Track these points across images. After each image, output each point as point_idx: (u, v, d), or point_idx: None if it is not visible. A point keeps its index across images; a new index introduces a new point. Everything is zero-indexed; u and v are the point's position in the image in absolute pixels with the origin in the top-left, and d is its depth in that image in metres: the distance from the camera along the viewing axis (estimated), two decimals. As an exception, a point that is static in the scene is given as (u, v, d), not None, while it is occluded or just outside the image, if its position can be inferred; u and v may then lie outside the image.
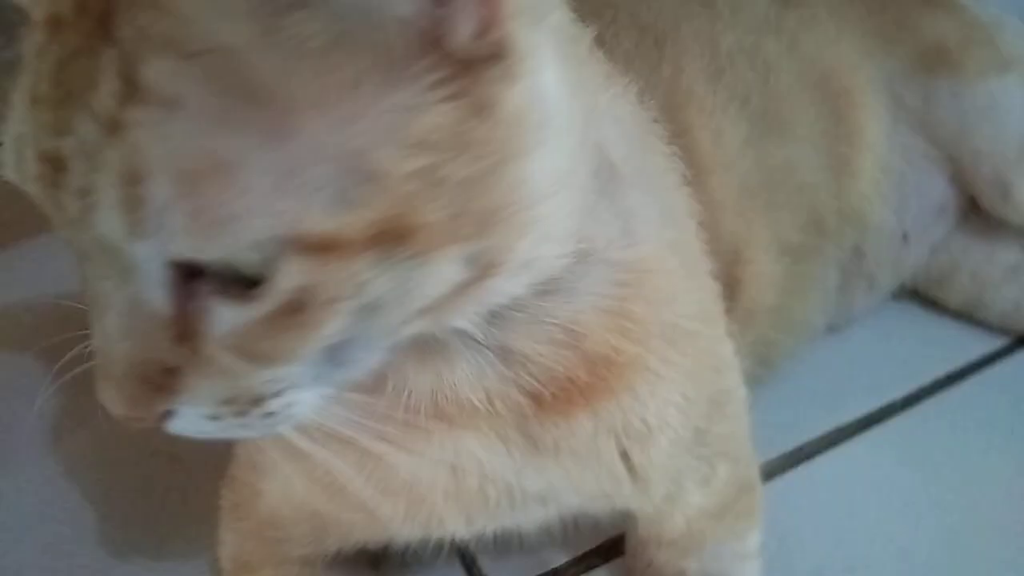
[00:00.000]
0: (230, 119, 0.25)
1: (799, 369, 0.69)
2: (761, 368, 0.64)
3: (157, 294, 0.28)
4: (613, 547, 0.59)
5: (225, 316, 0.28)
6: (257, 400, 0.30)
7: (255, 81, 0.25)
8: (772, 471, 0.64)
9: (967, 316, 0.75)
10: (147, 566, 0.59)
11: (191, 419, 0.31)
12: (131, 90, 0.25)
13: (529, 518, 0.47)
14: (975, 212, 0.72)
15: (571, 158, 0.32)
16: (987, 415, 0.69)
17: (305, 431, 0.34)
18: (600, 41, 0.38)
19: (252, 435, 0.32)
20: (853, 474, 0.65)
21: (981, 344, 0.74)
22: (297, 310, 0.27)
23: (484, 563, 0.59)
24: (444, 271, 0.29)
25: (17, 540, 0.61)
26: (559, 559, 0.60)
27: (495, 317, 0.35)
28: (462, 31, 0.26)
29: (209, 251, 0.26)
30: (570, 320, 0.37)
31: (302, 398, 0.31)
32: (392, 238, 0.27)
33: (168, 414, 0.30)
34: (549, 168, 0.30)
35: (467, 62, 0.27)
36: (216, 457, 0.52)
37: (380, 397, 0.37)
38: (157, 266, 0.27)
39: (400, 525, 0.44)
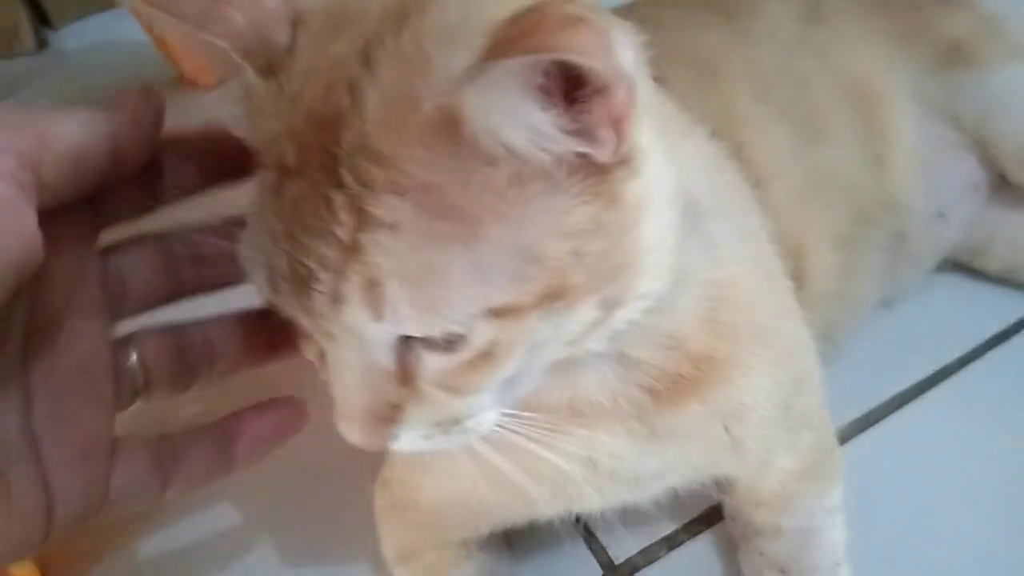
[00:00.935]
0: (436, 235, 0.33)
1: (859, 344, 0.76)
2: (826, 346, 0.72)
3: (385, 356, 0.37)
4: (714, 514, 0.68)
5: (433, 363, 0.37)
6: (457, 421, 0.40)
7: (453, 207, 0.33)
8: (845, 436, 0.72)
9: (1007, 280, 0.81)
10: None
11: (410, 439, 0.40)
12: (362, 221, 0.33)
13: (649, 492, 0.56)
14: (1006, 186, 0.79)
15: (671, 212, 0.40)
16: (1035, 368, 0.76)
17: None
18: (663, 80, 0.44)
19: (452, 446, 0.42)
20: (918, 433, 0.72)
21: (1022, 305, 0.80)
22: (486, 356, 0.37)
23: (602, 535, 0.68)
24: (585, 314, 0.38)
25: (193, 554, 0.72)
26: (669, 528, 0.68)
27: (614, 334, 0.42)
28: (603, 155, 0.35)
29: (428, 329, 0.35)
30: (674, 330, 0.46)
31: (487, 416, 0.41)
32: (551, 299, 0.36)
33: (393, 437, 0.40)
34: (656, 227, 0.39)
35: (604, 170, 0.36)
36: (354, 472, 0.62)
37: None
38: (387, 339, 0.37)
39: (547, 506, 0.53)
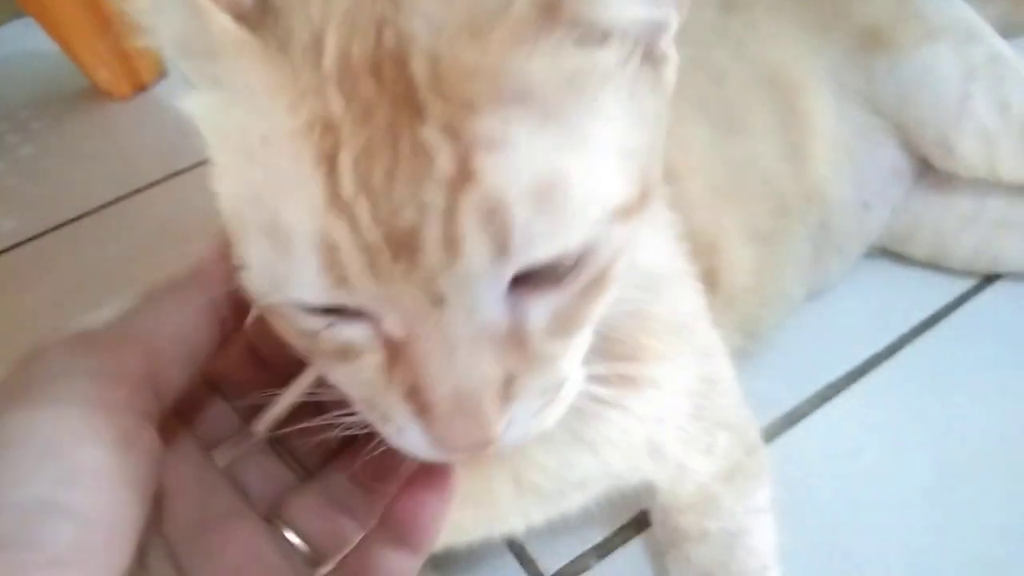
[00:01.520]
0: (548, 141, 0.30)
1: (786, 336, 0.75)
2: (749, 341, 0.71)
3: (498, 312, 0.32)
4: (643, 519, 0.66)
5: (543, 307, 0.33)
6: (560, 383, 0.35)
7: (558, 108, 0.31)
8: (774, 432, 0.71)
9: (933, 265, 0.81)
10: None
11: (521, 423, 0.34)
12: (464, 146, 0.29)
13: (572, 503, 0.55)
14: (928, 170, 0.79)
15: None
16: (963, 353, 0.76)
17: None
18: None
19: (551, 421, 0.36)
20: (847, 425, 0.72)
21: (950, 289, 0.80)
22: (596, 280, 0.34)
23: (532, 547, 0.66)
24: (643, 225, 0.36)
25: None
26: (598, 536, 0.67)
27: None
28: (669, 35, 0.35)
29: (567, 241, 0.31)
30: (609, 327, 0.43)
31: (575, 376, 0.37)
32: (646, 196, 0.34)
33: (507, 427, 0.33)
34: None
35: (659, 60, 0.36)
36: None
37: None
38: (502, 286, 0.31)
39: (471, 530, 0.51)
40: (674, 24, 0.35)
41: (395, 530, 0.38)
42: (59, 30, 1.07)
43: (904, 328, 0.78)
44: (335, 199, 0.29)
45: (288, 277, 0.31)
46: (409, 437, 0.34)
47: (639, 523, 0.67)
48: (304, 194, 0.30)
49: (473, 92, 0.29)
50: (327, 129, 0.29)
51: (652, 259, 0.47)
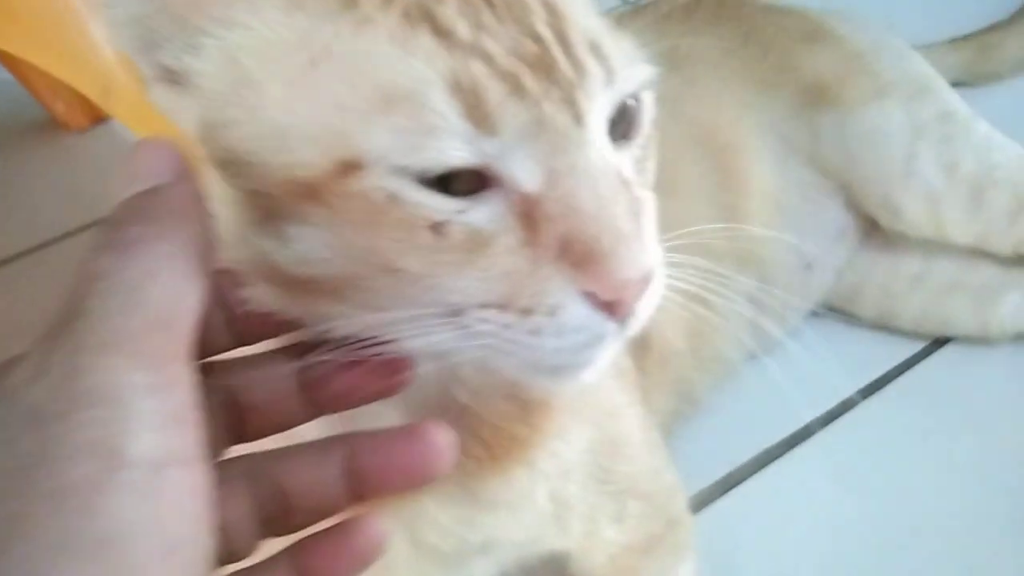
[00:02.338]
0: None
1: (724, 398, 0.74)
2: (684, 404, 0.70)
3: (610, 148, 0.33)
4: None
5: (627, 159, 0.35)
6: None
7: None
8: (705, 500, 0.69)
9: (881, 326, 0.79)
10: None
11: (656, 254, 0.34)
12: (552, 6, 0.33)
13: (475, 570, 0.53)
14: (876, 229, 0.77)
15: None
16: (908, 419, 0.74)
17: None
18: None
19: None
20: (782, 494, 0.70)
21: (898, 351, 0.79)
22: (649, 140, 0.37)
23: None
24: None
25: None
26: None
27: (456, 379, 0.40)
28: None
29: (640, 74, 0.35)
30: (508, 386, 0.42)
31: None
32: None
33: (654, 257, 0.34)
34: None
35: None
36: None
37: None
38: (607, 119, 0.34)
39: None
40: None
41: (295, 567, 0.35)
42: (15, 62, 1.06)
43: (849, 391, 0.76)
44: (455, 46, 0.31)
45: (430, 134, 0.30)
46: (568, 312, 0.32)
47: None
48: (419, 51, 0.31)
49: None
50: (406, 1, 0.31)
51: None
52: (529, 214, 0.32)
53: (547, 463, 0.46)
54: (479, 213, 0.32)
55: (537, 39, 0.32)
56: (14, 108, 1.14)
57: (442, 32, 0.31)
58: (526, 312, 0.32)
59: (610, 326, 0.33)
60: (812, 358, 0.77)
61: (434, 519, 0.46)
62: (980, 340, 0.78)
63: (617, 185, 0.32)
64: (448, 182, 0.31)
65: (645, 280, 0.33)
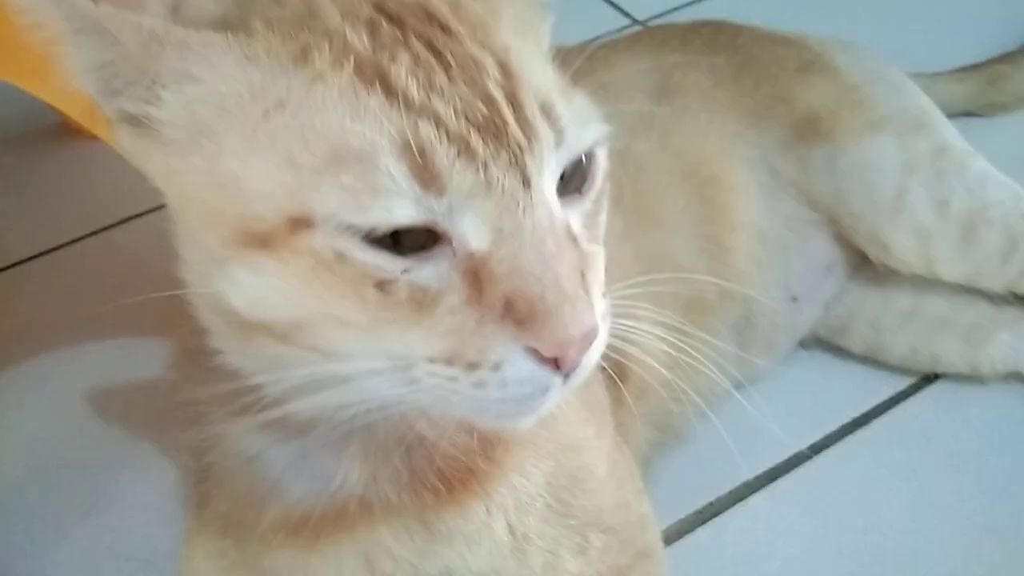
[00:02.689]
0: (542, 54, 0.38)
1: (706, 428, 0.74)
2: (664, 435, 0.70)
3: (558, 207, 0.35)
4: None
5: (576, 215, 0.37)
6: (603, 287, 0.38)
7: (527, 26, 0.39)
8: (683, 529, 0.70)
9: (870, 360, 0.79)
10: None
11: (600, 309, 0.37)
12: (498, 52, 0.35)
13: None
14: (866, 262, 0.77)
15: None
16: (892, 456, 0.74)
17: None
18: None
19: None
20: (760, 527, 0.70)
21: (886, 386, 0.78)
22: (600, 195, 0.39)
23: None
24: None
25: None
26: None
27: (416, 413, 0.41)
28: None
29: (588, 137, 0.37)
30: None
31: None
32: None
33: (598, 315, 0.36)
34: None
35: None
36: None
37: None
38: (556, 179, 0.36)
39: None
40: None
41: None
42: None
43: (833, 426, 0.76)
44: (406, 106, 0.32)
45: (378, 194, 0.32)
46: (512, 367, 0.34)
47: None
48: (369, 112, 0.32)
49: (483, 15, 0.36)
50: (359, 60, 0.33)
51: None
52: (475, 272, 0.33)
53: (505, 497, 0.48)
54: (425, 271, 0.33)
55: (488, 101, 0.33)
56: (31, 115, 1.17)
57: (393, 92, 0.32)
58: (472, 367, 0.34)
59: (554, 380, 0.35)
60: (800, 387, 0.78)
61: (389, 550, 0.47)
62: (970, 378, 0.77)
63: (564, 243, 0.34)
64: (399, 237, 0.33)
65: (588, 337, 0.34)
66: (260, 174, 0.34)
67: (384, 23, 0.34)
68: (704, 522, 0.70)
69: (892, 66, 0.82)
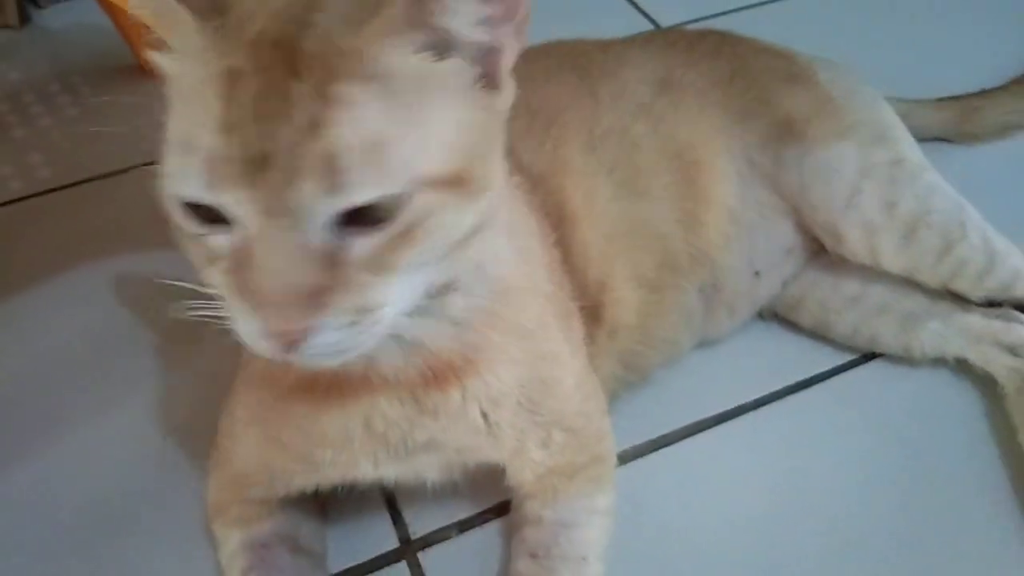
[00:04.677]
0: (387, 113, 0.42)
1: (670, 374, 0.86)
2: (630, 373, 0.82)
3: (320, 237, 0.42)
4: (506, 506, 0.77)
5: (364, 244, 0.43)
6: (372, 309, 0.45)
7: (400, 92, 0.43)
8: (637, 453, 0.81)
9: (818, 335, 0.91)
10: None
11: (327, 331, 0.44)
12: (323, 103, 0.41)
13: (423, 466, 0.66)
14: (823, 251, 0.88)
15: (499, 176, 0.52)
16: (827, 418, 0.84)
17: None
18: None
19: (363, 343, 0.46)
20: (704, 459, 0.81)
21: (830, 359, 0.89)
22: (410, 229, 0.44)
23: (407, 512, 0.78)
24: (469, 216, 0.47)
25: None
26: (463, 513, 0.78)
27: (415, 313, 0.52)
28: (507, 59, 0.49)
29: (379, 192, 0.42)
30: (462, 316, 0.56)
31: (391, 312, 0.47)
32: (457, 182, 0.45)
33: (312, 330, 0.43)
34: (498, 171, 0.51)
35: (494, 84, 0.49)
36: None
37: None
38: (327, 216, 0.42)
39: (327, 469, 0.63)
40: (510, 53, 0.48)
41: None
42: (113, 10, 1.22)
43: (779, 385, 0.87)
44: (225, 125, 0.41)
45: (185, 178, 0.42)
46: (244, 327, 0.45)
47: (501, 509, 0.78)
48: (208, 119, 0.41)
49: (340, 66, 0.41)
50: (234, 77, 0.41)
51: (506, 273, 0.59)
52: (238, 256, 0.44)
53: (479, 389, 0.61)
54: (213, 239, 0.45)
55: (278, 141, 0.40)
56: (110, 52, 1.30)
57: (228, 112, 0.41)
58: (229, 311, 0.46)
59: (276, 348, 0.44)
60: (754, 351, 0.90)
61: (384, 414, 0.60)
62: (903, 359, 0.88)
63: (306, 263, 0.42)
64: (206, 211, 0.44)
65: (289, 336, 0.43)
66: (168, 125, 0.45)
67: (265, 48, 0.42)
68: (657, 449, 0.82)
69: (868, 86, 0.93)
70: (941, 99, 1.12)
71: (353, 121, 0.41)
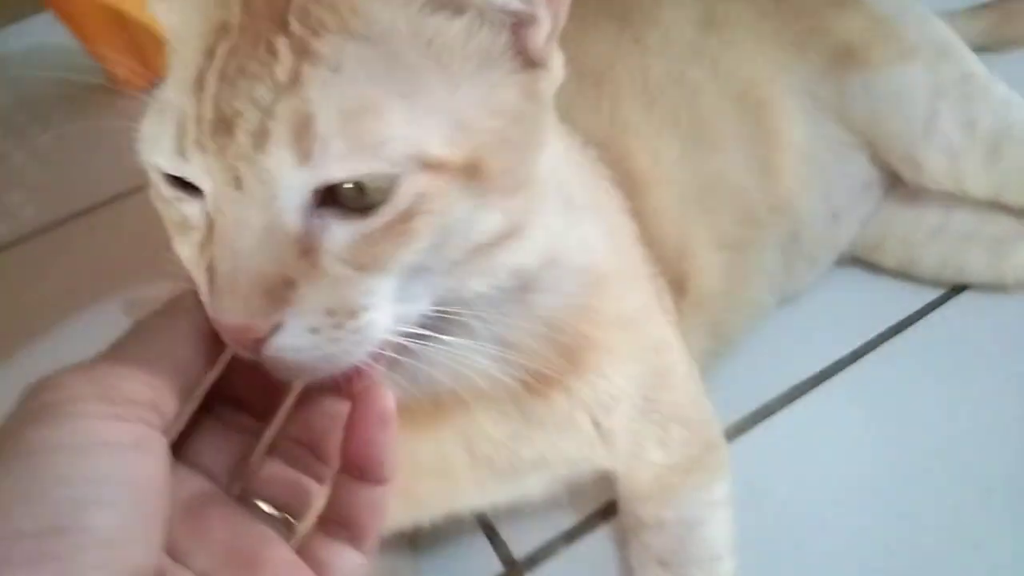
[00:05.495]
0: (379, 78, 0.36)
1: (756, 339, 0.79)
2: (719, 344, 0.75)
3: (292, 216, 0.35)
4: (611, 508, 0.71)
5: (343, 233, 0.36)
6: (352, 312, 0.37)
7: (399, 55, 0.36)
8: (739, 429, 0.75)
9: (903, 274, 0.84)
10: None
11: (295, 332, 0.36)
12: (303, 59, 0.35)
13: (530, 485, 0.59)
14: (899, 182, 0.82)
15: (553, 173, 0.44)
16: (926, 360, 0.79)
17: None
18: None
19: (338, 352, 0.37)
20: (810, 424, 0.76)
21: (918, 297, 0.84)
22: (402, 225, 0.36)
23: (504, 531, 0.71)
24: (491, 219, 0.39)
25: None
26: (567, 523, 0.71)
27: (495, 312, 0.45)
28: (540, 34, 0.40)
29: (361, 167, 0.35)
30: (550, 316, 0.48)
31: (380, 319, 0.38)
32: (473, 172, 0.37)
33: (276, 328, 0.35)
34: (547, 166, 0.43)
35: (530, 61, 0.40)
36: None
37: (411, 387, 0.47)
38: (302, 192, 0.35)
39: (429, 503, 0.56)
40: (546, 25, 0.40)
41: (355, 468, 0.40)
42: (78, 25, 1.12)
43: (871, 334, 0.82)
44: (200, 83, 0.35)
45: (156, 142, 0.37)
46: (209, 309, 0.37)
47: (606, 512, 0.71)
48: (186, 75, 0.36)
49: (328, 20, 0.36)
50: (221, 30, 0.36)
51: (592, 259, 0.51)
52: (211, 227, 0.37)
53: (586, 394, 0.53)
54: (186, 207, 0.38)
55: (251, 100, 0.34)
56: (78, 69, 1.20)
57: (199, 69, 0.36)
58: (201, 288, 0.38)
59: (229, 336, 0.36)
60: (839, 301, 0.84)
61: (487, 433, 0.52)
62: (995, 288, 0.83)
63: (273, 248, 0.35)
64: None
65: (244, 333, 0.35)
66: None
67: (256, 4, 0.37)
68: (759, 421, 0.76)
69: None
70: (971, 8, 1.06)
71: (336, 82, 0.35)
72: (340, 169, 0.35)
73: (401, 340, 0.39)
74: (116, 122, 0.42)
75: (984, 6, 1.06)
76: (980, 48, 1.03)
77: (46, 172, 1.12)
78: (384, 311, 0.38)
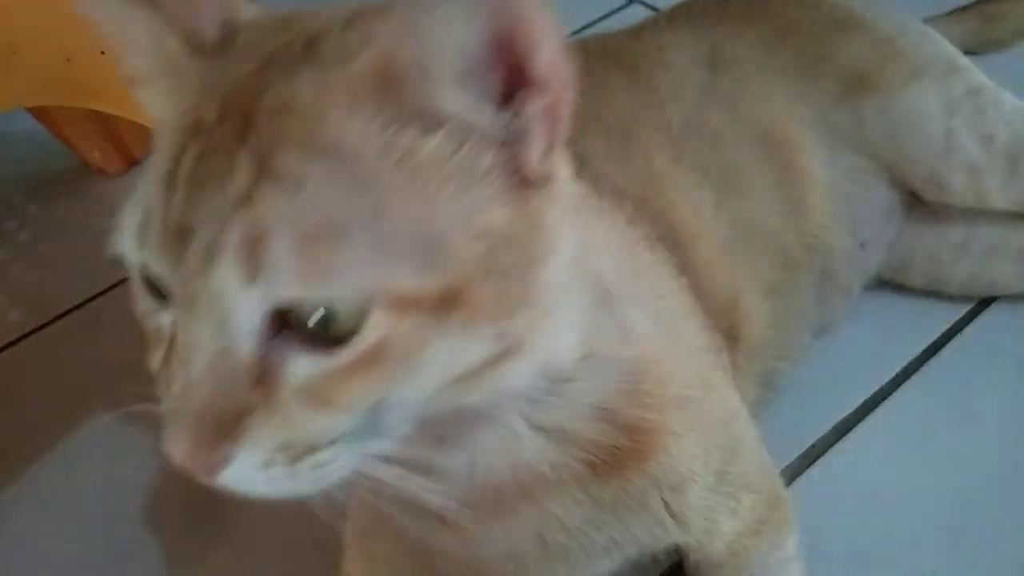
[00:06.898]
0: (342, 198, 0.32)
1: (795, 377, 0.78)
2: (767, 391, 0.74)
3: (246, 341, 0.33)
4: (677, 568, 0.68)
5: (303, 366, 0.33)
6: (311, 449, 0.34)
7: (368, 173, 0.33)
8: (792, 474, 0.74)
9: (932, 292, 0.84)
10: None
11: (244, 467, 0.34)
12: (261, 173, 0.32)
13: (601, 568, 0.57)
14: (918, 202, 0.81)
15: (572, 278, 0.40)
16: (967, 376, 0.78)
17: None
18: (580, 155, 0.42)
19: (297, 488, 0.35)
20: (863, 459, 0.74)
21: (948, 314, 0.83)
22: (371, 362, 0.33)
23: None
24: (479, 346, 0.35)
25: None
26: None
27: (538, 403, 0.44)
28: (532, 154, 0.35)
29: (312, 292, 0.32)
30: (600, 402, 0.46)
31: (344, 457, 0.36)
32: (451, 303, 0.33)
33: (223, 462, 0.33)
34: (557, 279, 0.38)
35: (525, 180, 0.36)
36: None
37: (468, 482, 0.45)
38: (255, 315, 0.32)
39: None
40: (538, 143, 0.35)
41: None
42: (47, 115, 1.08)
43: (908, 358, 0.81)
44: (167, 183, 0.34)
45: (122, 230, 0.35)
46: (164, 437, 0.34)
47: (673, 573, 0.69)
48: (160, 171, 0.34)
49: (292, 131, 0.33)
50: (195, 129, 0.34)
51: (641, 348, 0.48)
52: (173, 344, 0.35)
53: (657, 472, 0.50)
54: (159, 318, 0.37)
55: (207, 212, 0.32)
56: (49, 158, 1.15)
57: (167, 168, 0.34)
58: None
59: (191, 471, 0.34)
60: (871, 327, 0.83)
61: (560, 521, 0.50)
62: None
63: (218, 375, 0.33)
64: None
65: (191, 464, 0.33)
66: None
67: (233, 97, 0.35)
68: (812, 463, 0.74)
69: (909, 15, 0.86)
70: (953, 12, 1.05)
71: (295, 201, 0.32)
72: (288, 289, 0.32)
73: (375, 471, 0.37)
74: (92, 205, 0.39)
75: (963, 9, 1.06)
76: (964, 52, 1.04)
77: (28, 270, 1.06)
78: (348, 447, 0.35)
